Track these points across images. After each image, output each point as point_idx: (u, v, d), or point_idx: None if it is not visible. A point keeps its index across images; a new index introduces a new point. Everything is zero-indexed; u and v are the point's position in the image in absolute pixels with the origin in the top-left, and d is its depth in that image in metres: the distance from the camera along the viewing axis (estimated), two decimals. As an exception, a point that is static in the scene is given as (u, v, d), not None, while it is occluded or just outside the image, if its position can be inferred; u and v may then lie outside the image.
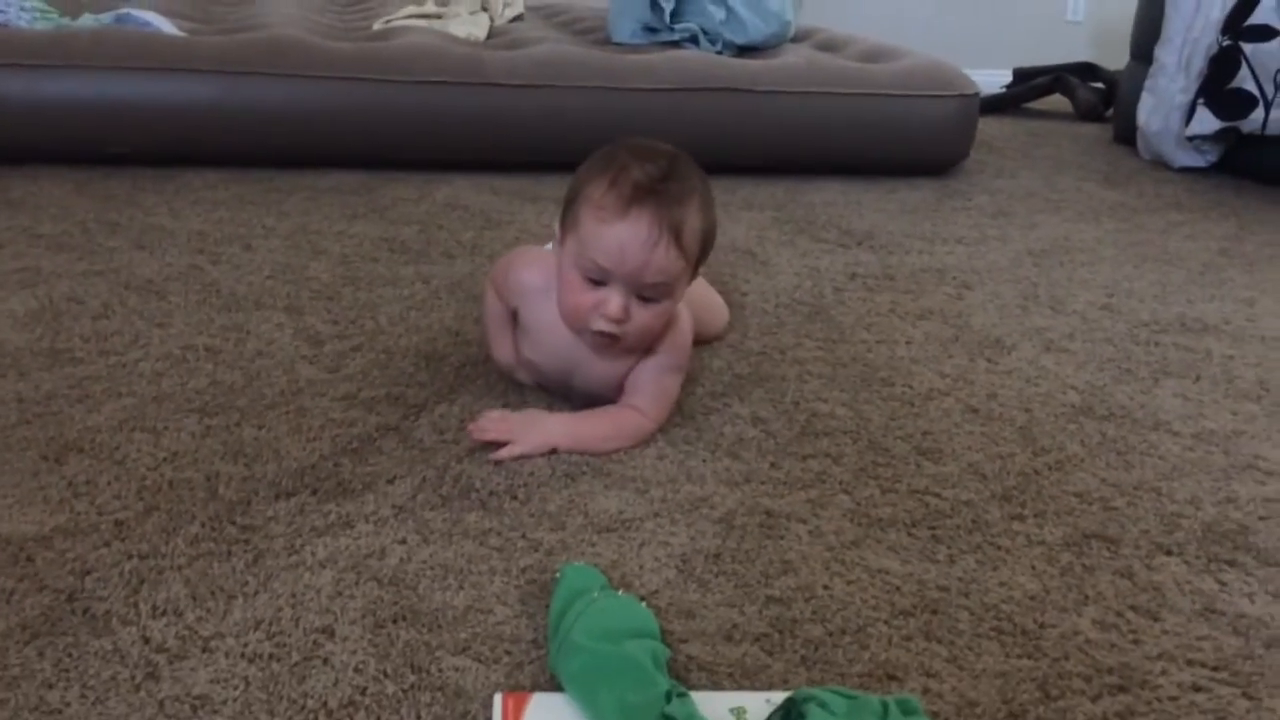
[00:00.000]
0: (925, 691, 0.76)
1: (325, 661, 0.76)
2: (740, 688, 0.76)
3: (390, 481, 1.00)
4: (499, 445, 1.05)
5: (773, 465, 1.07)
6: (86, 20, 2.28)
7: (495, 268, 1.18)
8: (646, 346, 1.08)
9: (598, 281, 1.02)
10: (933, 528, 0.97)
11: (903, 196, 2.23)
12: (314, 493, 0.98)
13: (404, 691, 0.74)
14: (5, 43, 2.01)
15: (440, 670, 0.76)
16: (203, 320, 1.36)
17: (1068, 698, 0.76)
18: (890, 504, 1.01)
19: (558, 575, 0.83)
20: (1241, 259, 1.90)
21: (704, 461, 1.07)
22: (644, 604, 0.80)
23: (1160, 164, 2.67)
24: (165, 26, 2.27)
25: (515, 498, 0.99)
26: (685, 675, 0.77)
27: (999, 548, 0.95)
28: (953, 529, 0.97)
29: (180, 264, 1.57)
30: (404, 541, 0.91)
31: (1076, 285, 1.70)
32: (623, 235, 0.98)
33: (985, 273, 1.74)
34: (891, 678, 0.77)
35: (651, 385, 1.11)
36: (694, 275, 1.07)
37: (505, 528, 0.94)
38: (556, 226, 1.08)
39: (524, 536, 0.93)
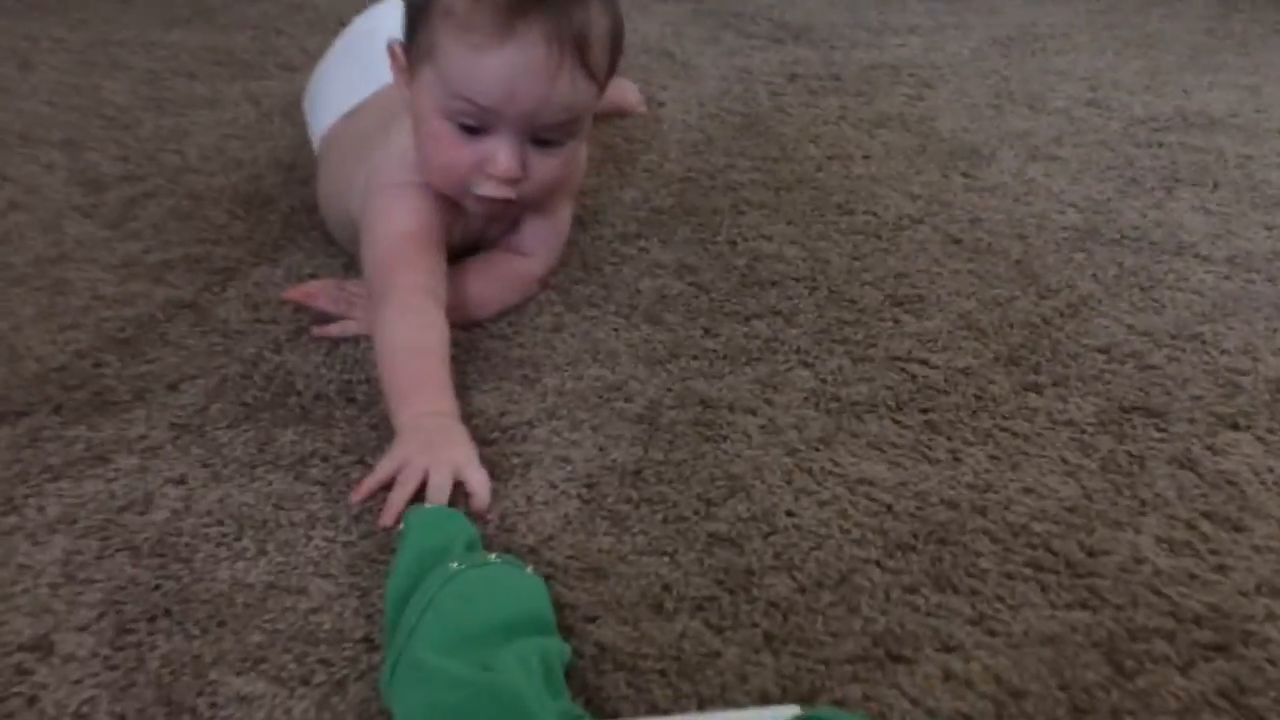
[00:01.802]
0: (947, 678, 0.52)
1: (31, 703, 0.49)
2: (679, 694, 0.50)
3: (173, 386, 0.71)
4: (327, 320, 0.76)
5: (706, 331, 0.80)
6: None
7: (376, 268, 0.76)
8: (549, 196, 0.79)
9: (474, 129, 0.71)
10: (925, 410, 0.72)
11: (841, -19, 1.90)
12: (56, 409, 0.68)
13: (151, 750, 0.47)
14: None
15: (213, 705, 0.49)
16: (-58, 163, 1.02)
17: (1148, 671, 0.53)
18: (865, 379, 0.75)
19: (400, 527, 0.56)
20: (1232, 40, 1.63)
21: (615, 331, 0.80)
22: (529, 569, 0.54)
23: (1122, -62, 2.36)
24: None
25: (353, 400, 0.71)
26: (596, 679, 0.51)
27: (1016, 435, 0.70)
28: (951, 410, 0.72)
29: (-73, 89, 1.20)
30: (182, 481, 0.63)
31: (1053, 77, 1.42)
32: (509, 64, 0.68)
33: (946, 67, 1.45)
34: (897, 658, 0.53)
35: (540, 222, 0.82)
36: (602, 94, 0.76)
37: (335, 449, 0.66)
38: (397, 50, 0.76)
39: (362, 461, 0.65)
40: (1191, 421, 0.72)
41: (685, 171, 1.08)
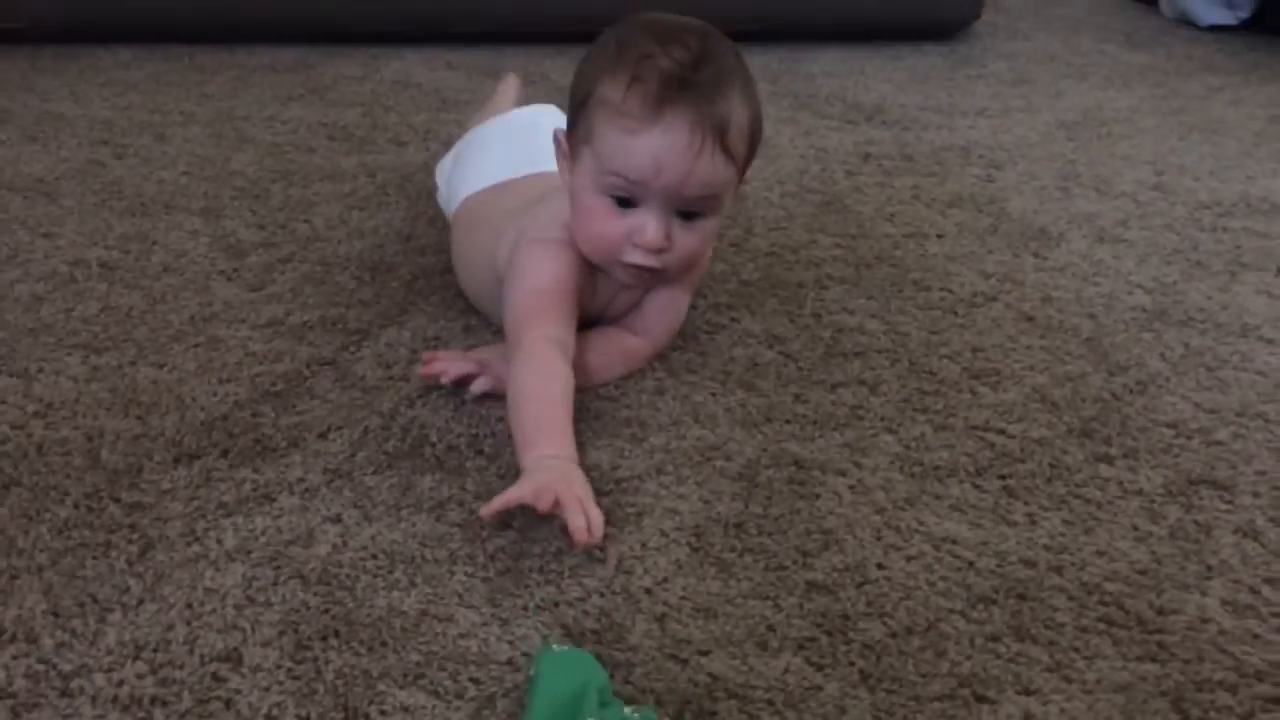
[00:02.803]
0: (1027, 717, 0.58)
1: (228, 705, 0.57)
2: (785, 722, 0.57)
3: (322, 435, 0.80)
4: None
5: (797, 398, 0.87)
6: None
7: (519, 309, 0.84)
8: (697, 271, 0.88)
9: (626, 201, 0.80)
10: (1003, 476, 0.78)
11: (911, 64, 1.98)
12: (224, 454, 0.77)
13: (334, 749, 0.54)
14: None
15: (383, 712, 0.56)
16: (99, 228, 1.13)
17: (1211, 718, 0.58)
18: (946, 445, 0.82)
19: (531, 672, 0.58)
20: (1295, 127, 1.68)
21: (713, 395, 0.87)
22: None
23: (1185, 23, 2.42)
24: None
25: (481, 452, 0.79)
26: (710, 707, 0.58)
27: (1088, 501, 0.76)
28: (1027, 477, 0.78)
29: (78, 159, 1.32)
30: (338, 519, 0.71)
31: (1119, 161, 1.49)
32: (656, 145, 0.76)
33: (1014, 149, 1.52)
34: (981, 699, 0.59)
35: (660, 306, 0.90)
36: (742, 179, 0.85)
37: (469, 495, 0.74)
38: (560, 137, 0.85)
39: (493, 506, 0.73)
40: (1256, 495, 0.77)
41: (770, 246, 1.16)
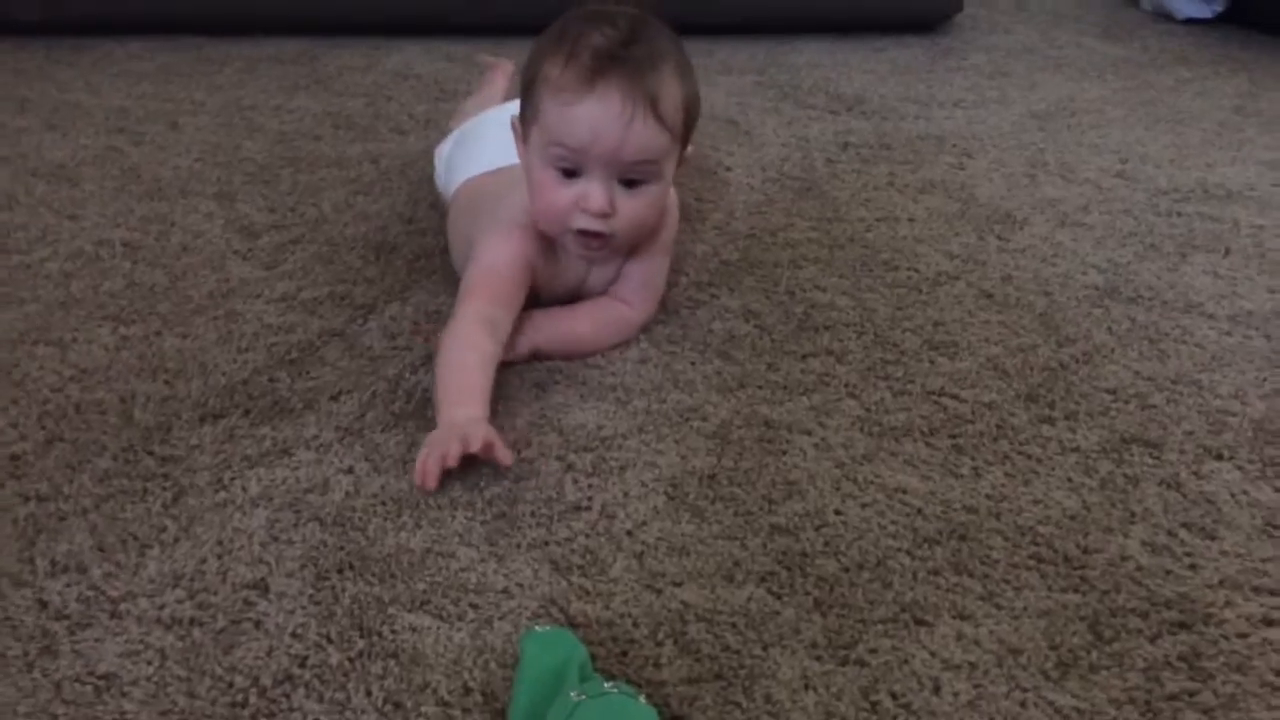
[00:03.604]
0: (959, 638, 0.66)
1: (258, 625, 0.64)
2: (746, 642, 0.65)
3: (334, 398, 0.87)
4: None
5: (770, 366, 0.95)
6: None
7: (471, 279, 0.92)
8: (641, 238, 0.94)
9: (571, 172, 0.87)
10: (953, 436, 0.86)
11: (893, 56, 2.06)
12: (246, 414, 0.85)
13: (350, 660, 0.62)
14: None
15: (394, 631, 0.64)
16: (120, 210, 1.20)
17: (1123, 639, 0.66)
18: (904, 408, 0.90)
19: (520, 651, 0.61)
20: (1258, 117, 1.75)
21: (692, 364, 0.95)
22: (643, 698, 0.57)
23: (1162, 16, 2.50)
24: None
25: (479, 413, 0.86)
26: (681, 628, 0.66)
27: (1029, 457, 0.84)
28: (976, 437, 0.86)
29: (96, 145, 1.40)
30: (350, 471, 0.79)
31: (1086, 150, 1.56)
32: (591, 113, 0.84)
33: (987, 139, 1.60)
34: (920, 622, 0.67)
35: (639, 273, 0.98)
36: (683, 151, 0.93)
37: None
38: (515, 122, 0.93)
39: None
40: (1182, 452, 0.85)
41: (750, 229, 1.24)
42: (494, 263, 0.92)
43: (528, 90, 0.89)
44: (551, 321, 0.95)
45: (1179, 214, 1.33)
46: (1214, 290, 1.13)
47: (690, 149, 0.94)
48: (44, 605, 0.65)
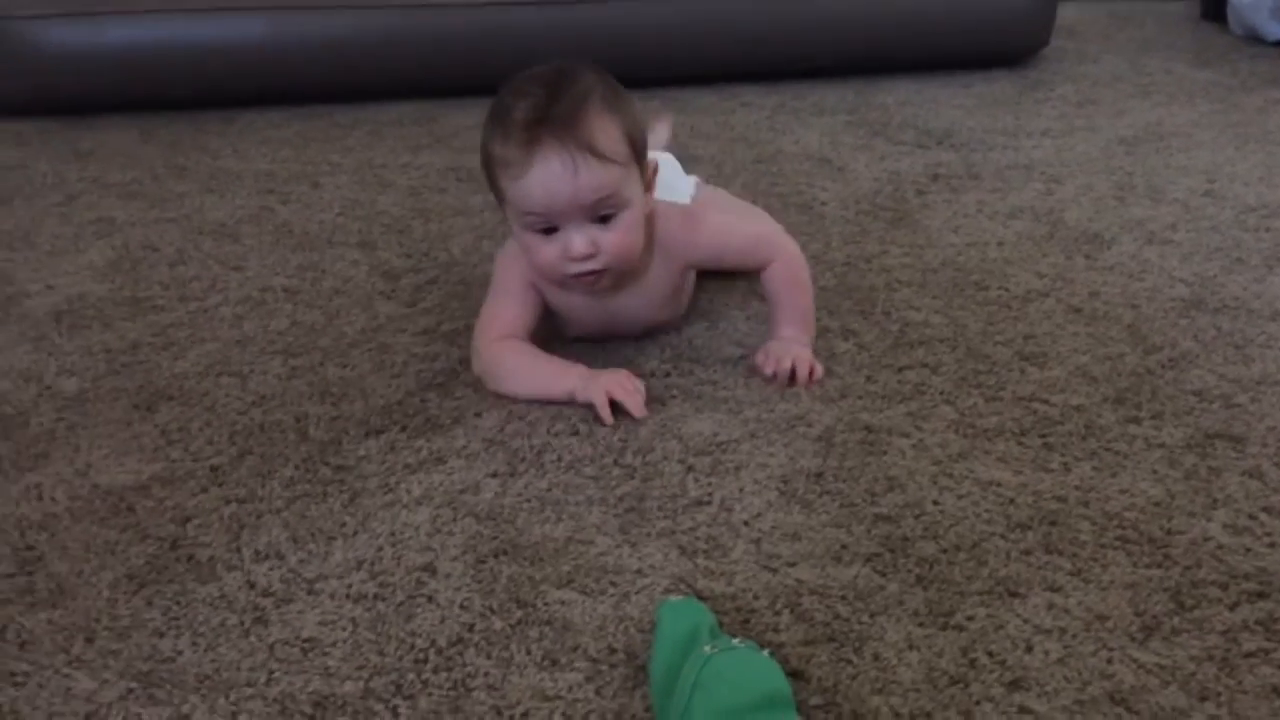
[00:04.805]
0: (1050, 607, 0.73)
1: (430, 599, 0.75)
2: (855, 611, 0.73)
3: (478, 414, 0.99)
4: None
5: (868, 379, 1.03)
6: (137, -36, 2.25)
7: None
8: (635, 260, 1.01)
9: (550, 229, 0.96)
10: (1043, 435, 0.93)
11: (980, 90, 2.13)
12: (403, 429, 0.96)
13: (511, 627, 0.72)
14: (60, -7, 1.99)
15: (546, 604, 0.74)
16: (278, 261, 1.35)
17: (1204, 607, 0.72)
18: (996, 413, 0.97)
19: (655, 619, 0.71)
20: (1352, 134, 1.77)
21: (797, 378, 1.04)
22: (766, 652, 0.66)
23: (1253, 39, 2.51)
24: (215, -35, 2.24)
25: (601, 424, 0.96)
26: (796, 600, 0.74)
27: (1116, 453, 0.90)
28: (1065, 436, 0.93)
29: (250, 205, 1.56)
30: (496, 474, 0.89)
31: (1174, 172, 1.61)
32: (539, 179, 0.92)
33: (1075, 165, 1.66)
34: (1014, 594, 0.74)
35: (662, 290, 1.07)
36: (644, 168, 0.99)
37: (598, 454, 0.92)
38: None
39: (617, 463, 0.90)
40: (1264, 445, 0.91)
41: (845, 258, 1.32)
42: (495, 300, 1.06)
43: (486, 172, 0.98)
44: (783, 325, 1.07)
45: (1267, 229, 1.37)
46: (1300, 299, 1.17)
47: (655, 161, 1.02)
48: (252, 585, 0.77)
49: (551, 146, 0.91)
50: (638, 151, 0.98)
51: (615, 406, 0.96)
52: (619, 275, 1.01)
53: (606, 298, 1.04)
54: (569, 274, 0.97)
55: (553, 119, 0.92)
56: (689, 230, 1.04)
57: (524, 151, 0.92)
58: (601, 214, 0.95)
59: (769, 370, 1.02)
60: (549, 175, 0.92)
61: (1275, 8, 2.41)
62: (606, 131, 0.94)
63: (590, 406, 0.97)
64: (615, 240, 0.96)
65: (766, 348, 1.05)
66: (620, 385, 0.97)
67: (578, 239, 0.95)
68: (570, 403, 0.98)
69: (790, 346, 1.04)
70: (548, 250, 0.97)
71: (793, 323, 1.06)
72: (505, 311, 1.04)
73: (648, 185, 1.01)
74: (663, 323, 1.12)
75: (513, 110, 0.93)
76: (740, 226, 1.12)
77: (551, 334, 1.09)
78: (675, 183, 1.22)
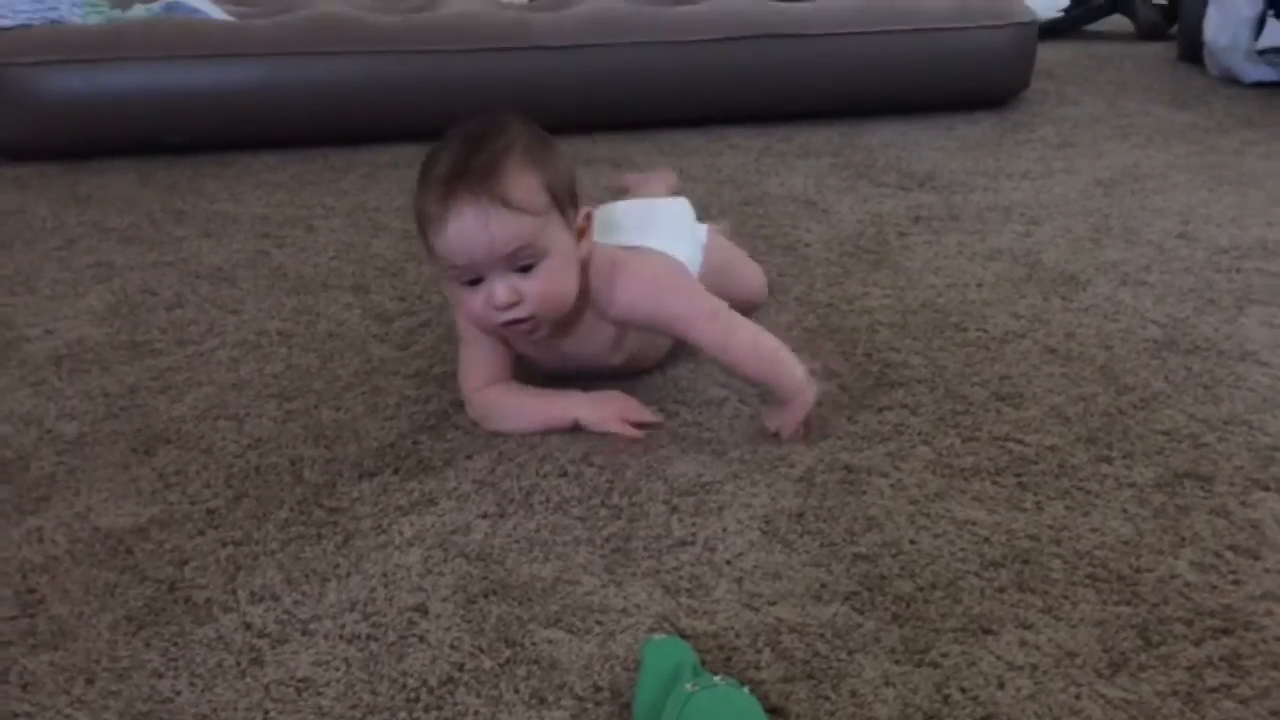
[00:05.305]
0: (1022, 644, 0.75)
1: (421, 639, 0.77)
2: (833, 648, 0.75)
3: (469, 456, 1.01)
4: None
5: (849, 419, 1.06)
6: (137, 11, 2.30)
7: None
8: (566, 306, 1.01)
9: (475, 280, 0.97)
10: (1018, 475, 0.96)
11: (962, 133, 2.18)
12: (396, 471, 0.99)
13: (500, 666, 0.75)
14: (60, 39, 2.04)
15: (534, 643, 0.77)
16: (274, 305, 1.38)
17: (1170, 643, 0.75)
18: (972, 453, 1.00)
19: (639, 657, 0.73)
20: (1324, 175, 1.82)
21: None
22: (746, 689, 0.68)
23: (1230, 81, 2.57)
24: (214, 12, 2.29)
25: (592, 464, 0.99)
26: (776, 638, 0.77)
27: (1088, 492, 0.93)
28: (1038, 475, 0.96)
29: (247, 249, 1.59)
30: (487, 515, 0.92)
31: (1150, 214, 1.65)
32: (454, 231, 0.93)
33: (1054, 207, 1.70)
34: (987, 631, 0.77)
35: (590, 329, 1.07)
36: (569, 217, 1.00)
37: (585, 495, 0.94)
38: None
39: (604, 504, 0.93)
40: (1231, 484, 0.94)
41: (828, 299, 1.35)
42: (467, 350, 1.09)
43: (417, 224, 1.00)
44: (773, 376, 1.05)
45: (1238, 270, 1.41)
46: (1269, 340, 1.21)
47: (585, 210, 1.03)
48: (248, 626, 0.79)
49: (465, 200, 0.93)
50: (560, 201, 0.98)
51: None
52: (555, 323, 1.02)
53: (555, 343, 1.07)
54: (497, 323, 0.99)
55: (469, 173, 0.93)
56: (609, 284, 1.04)
57: (441, 206, 0.94)
58: (522, 264, 0.96)
59: (785, 436, 1.02)
60: (463, 227, 0.93)
61: (1251, 50, 2.47)
62: (521, 183, 0.94)
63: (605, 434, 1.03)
64: (537, 289, 0.97)
65: (769, 412, 1.05)
66: (626, 411, 1.05)
67: (500, 288, 0.96)
68: (575, 429, 1.04)
69: (792, 407, 1.02)
70: (474, 301, 0.98)
71: (777, 386, 1.05)
72: (479, 357, 1.08)
73: (580, 233, 1.02)
74: (633, 365, 1.13)
75: (436, 165, 0.96)
76: (664, 298, 1.05)
77: (533, 367, 1.12)
78: (679, 231, 1.21)
